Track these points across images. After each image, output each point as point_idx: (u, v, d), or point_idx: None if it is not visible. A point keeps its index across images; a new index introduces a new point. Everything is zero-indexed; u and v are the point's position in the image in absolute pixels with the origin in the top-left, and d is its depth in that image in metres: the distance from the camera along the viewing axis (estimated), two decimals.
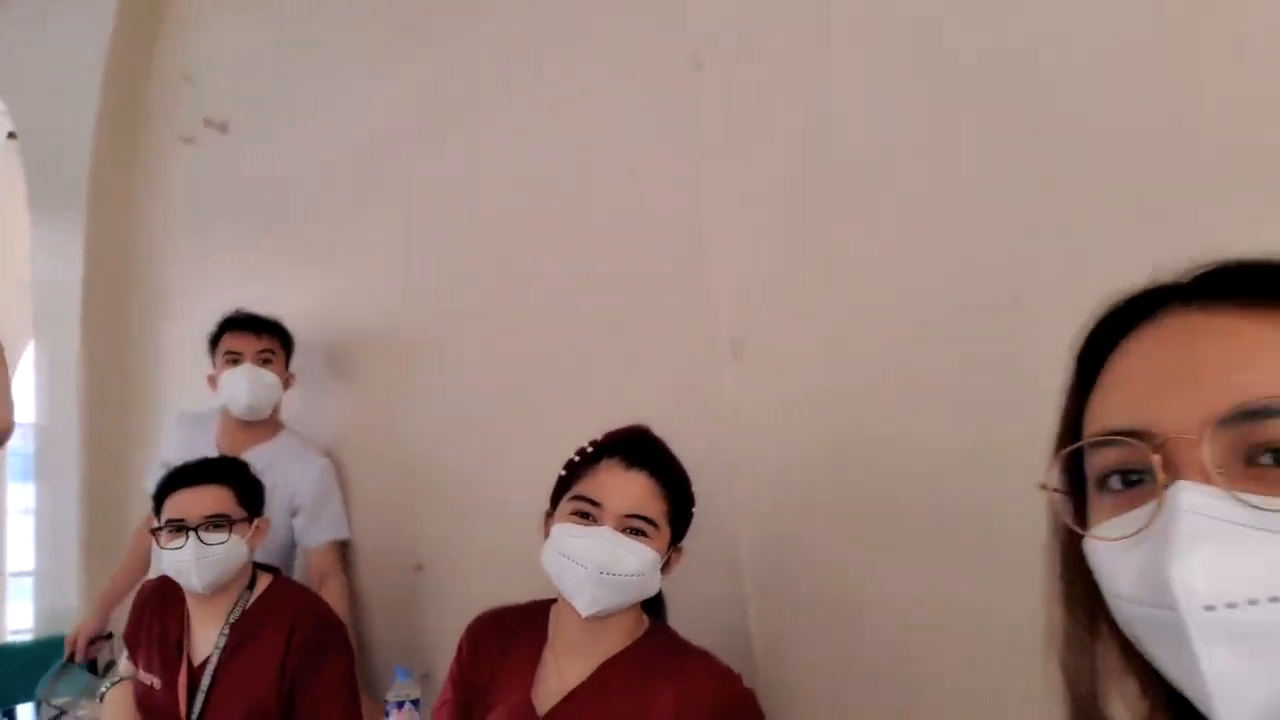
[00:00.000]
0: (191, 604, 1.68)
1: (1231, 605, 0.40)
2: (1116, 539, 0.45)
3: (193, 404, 2.37)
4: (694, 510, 1.16)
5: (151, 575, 1.86)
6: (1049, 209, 1.02)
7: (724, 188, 1.37)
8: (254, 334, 2.09)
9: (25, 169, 3.83)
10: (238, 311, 2.15)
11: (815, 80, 1.26)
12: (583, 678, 1.12)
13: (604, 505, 1.09)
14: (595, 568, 1.06)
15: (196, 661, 1.66)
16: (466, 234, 1.86)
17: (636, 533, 1.08)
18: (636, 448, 1.14)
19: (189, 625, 1.69)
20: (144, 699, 1.68)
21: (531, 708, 1.12)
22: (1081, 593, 0.49)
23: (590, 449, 1.16)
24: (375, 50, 2.16)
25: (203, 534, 1.57)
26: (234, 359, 2.06)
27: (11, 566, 4.46)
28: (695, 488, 1.16)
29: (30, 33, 3.97)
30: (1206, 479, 0.41)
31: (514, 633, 1.22)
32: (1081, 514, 0.49)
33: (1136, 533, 0.43)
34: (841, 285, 1.22)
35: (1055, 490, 0.50)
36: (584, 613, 1.08)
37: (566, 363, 1.62)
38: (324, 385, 2.25)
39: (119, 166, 3.18)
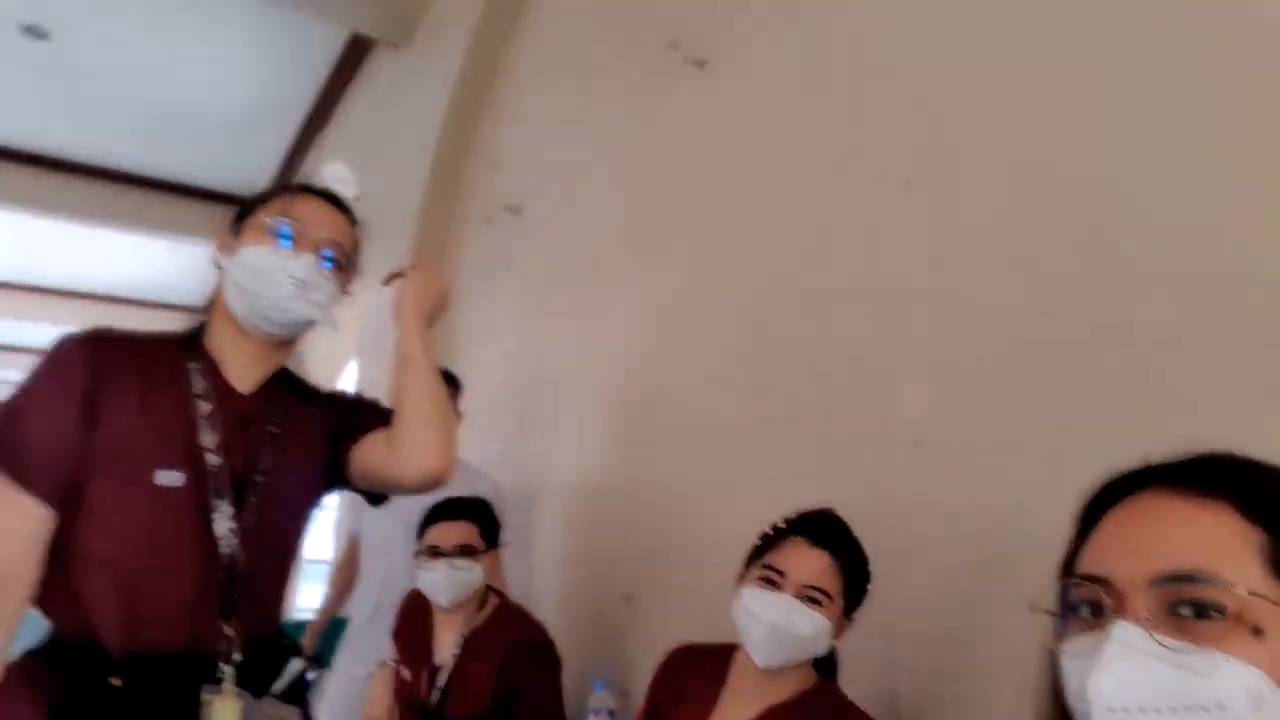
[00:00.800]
0: (437, 615, 2.08)
1: (1126, 710, 0.57)
2: (1075, 654, 0.63)
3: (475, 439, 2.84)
4: (869, 586, 1.32)
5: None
6: None
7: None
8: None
9: (364, 223, 4.70)
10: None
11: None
12: (752, 716, 1.31)
13: (787, 575, 1.27)
14: (772, 626, 1.24)
15: (438, 663, 2.05)
16: (716, 306, 2.13)
17: (813, 601, 1.26)
18: (821, 527, 1.32)
19: (434, 632, 2.09)
20: (399, 686, 2.08)
21: None
22: (1061, 698, 0.66)
23: (782, 525, 1.35)
24: (651, 144, 2.55)
25: (454, 561, 1.96)
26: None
27: (312, 554, 5.30)
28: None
29: (377, 115, 4.91)
30: (1138, 621, 0.59)
31: (699, 668, 1.43)
32: (1063, 632, 0.67)
33: (1084, 652, 0.62)
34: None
35: (1048, 612, 0.69)
36: (760, 665, 1.27)
37: (782, 434, 1.83)
38: (562, 423, 2.63)
39: (434, 233, 3.86)
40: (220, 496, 1.17)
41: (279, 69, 5.27)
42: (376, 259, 3.79)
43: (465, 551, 1.99)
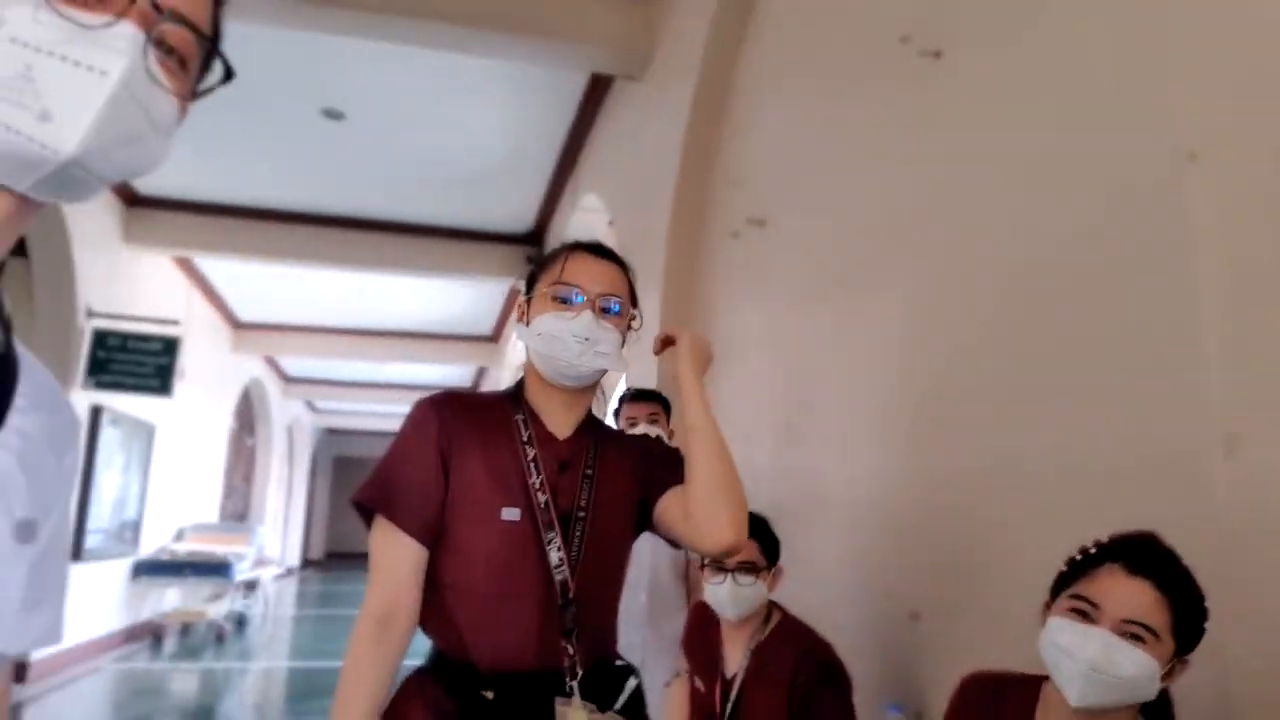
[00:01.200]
0: (724, 629, 2.14)
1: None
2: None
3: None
4: (1206, 625, 1.15)
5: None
6: None
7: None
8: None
9: (619, 247, 4.96)
10: None
11: None
12: None
13: (1102, 608, 1.15)
14: (1087, 664, 1.13)
15: (728, 675, 2.11)
16: (987, 312, 2.00)
17: (1135, 638, 1.12)
18: (1142, 554, 1.17)
19: (722, 645, 2.16)
20: (693, 696, 2.17)
21: None
22: None
23: (1094, 550, 1.22)
24: (881, 150, 2.46)
25: (737, 576, 2.01)
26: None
27: None
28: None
29: (623, 146, 5.15)
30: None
31: (1004, 698, 1.33)
32: None
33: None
34: None
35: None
36: (1074, 704, 1.15)
37: (1043, 447, 1.70)
38: (830, 436, 2.60)
39: (685, 253, 3.99)
40: (550, 529, 1.33)
41: (532, 117, 5.73)
42: (639, 268, 4.03)
43: (749, 568, 2.04)
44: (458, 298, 9.58)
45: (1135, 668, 1.12)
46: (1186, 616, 1.14)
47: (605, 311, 1.38)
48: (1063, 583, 1.23)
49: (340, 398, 15.34)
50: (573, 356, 1.34)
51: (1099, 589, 1.17)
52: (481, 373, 12.75)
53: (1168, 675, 1.14)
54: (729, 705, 2.08)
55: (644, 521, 1.48)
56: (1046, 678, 1.24)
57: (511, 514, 1.33)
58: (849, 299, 2.59)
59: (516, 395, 1.46)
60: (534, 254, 7.67)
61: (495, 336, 11.15)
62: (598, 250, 1.45)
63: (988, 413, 1.91)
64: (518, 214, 7.44)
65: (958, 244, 2.06)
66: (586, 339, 1.34)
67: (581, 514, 1.37)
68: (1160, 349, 1.46)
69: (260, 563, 10.56)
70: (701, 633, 2.25)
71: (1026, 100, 1.84)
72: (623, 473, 1.46)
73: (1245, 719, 1.26)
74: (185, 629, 8.94)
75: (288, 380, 14.39)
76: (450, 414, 1.39)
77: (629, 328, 1.44)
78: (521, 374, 1.50)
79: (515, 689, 1.28)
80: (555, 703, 1.27)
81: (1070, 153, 1.70)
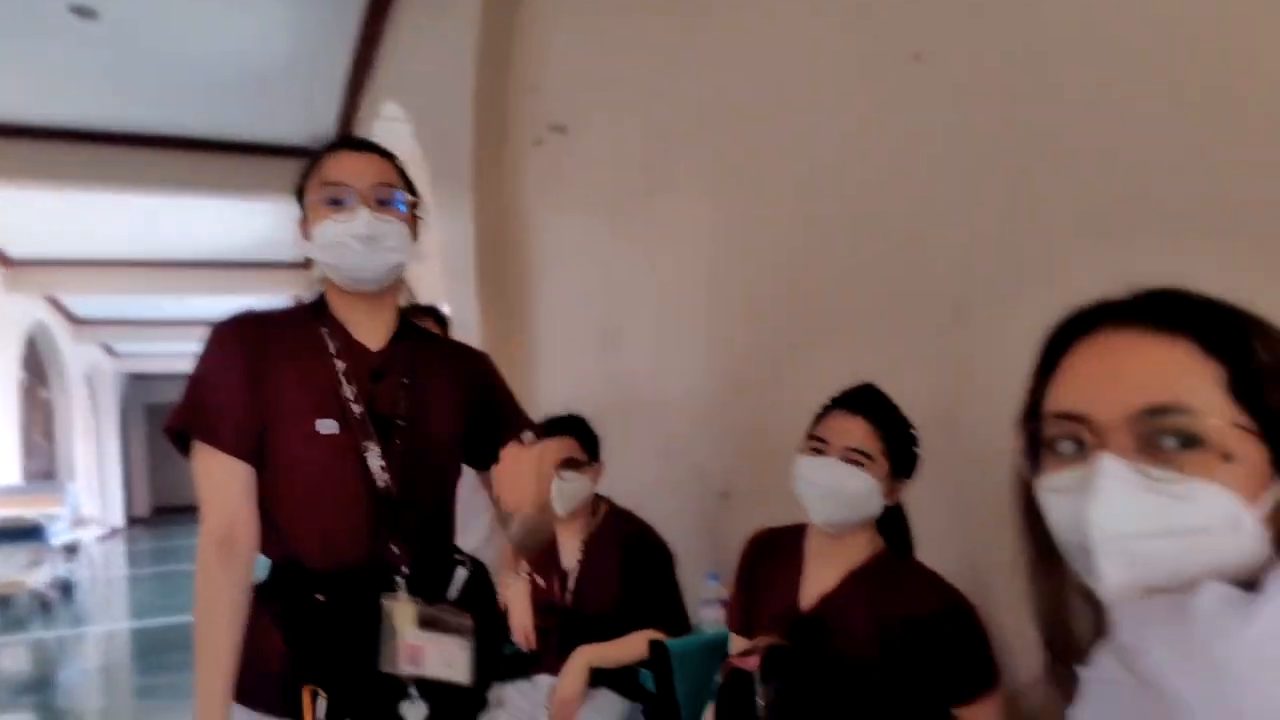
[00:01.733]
0: (557, 525, 2.27)
1: (1124, 536, 0.62)
2: (1060, 489, 0.66)
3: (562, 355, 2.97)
4: (916, 450, 1.42)
5: None
6: None
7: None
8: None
9: (426, 163, 4.78)
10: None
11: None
12: (832, 585, 1.44)
13: (830, 442, 1.40)
14: (824, 488, 1.38)
15: (565, 567, 2.25)
16: (758, 212, 2.16)
17: (856, 463, 1.38)
18: (857, 397, 1.44)
19: (558, 540, 2.29)
20: (535, 593, 2.30)
21: (796, 607, 1.46)
22: (1040, 529, 0.71)
23: (829, 402, 1.47)
24: (671, 56, 2.52)
25: (562, 473, 2.14)
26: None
27: None
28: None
29: (421, 46, 4.89)
30: (1122, 453, 0.63)
31: (779, 546, 1.55)
32: (1036, 469, 0.71)
33: (1073, 486, 0.65)
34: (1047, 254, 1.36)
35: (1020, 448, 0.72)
36: (818, 523, 1.41)
37: (824, 326, 1.89)
38: (644, 339, 2.74)
39: (491, 162, 3.91)
40: (368, 438, 1.34)
41: (318, 21, 5.31)
42: (448, 177, 3.91)
43: (570, 464, 2.17)
44: (262, 220, 8.95)
45: (858, 483, 1.37)
46: (896, 442, 1.41)
47: (383, 205, 1.35)
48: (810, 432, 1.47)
49: (142, 339, 14.13)
50: (359, 260, 1.33)
51: (827, 428, 1.42)
52: (299, 302, 12.05)
53: (891, 493, 1.40)
54: (567, 594, 2.23)
55: (473, 438, 1.49)
56: (809, 525, 1.48)
57: (328, 426, 1.33)
58: (658, 204, 2.68)
59: (319, 308, 1.43)
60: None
61: (307, 263, 10.50)
62: (357, 144, 1.42)
63: (784, 310, 2.09)
64: (315, 126, 6.97)
65: (758, 147, 2.18)
66: (369, 238, 1.31)
67: (401, 422, 1.38)
68: (905, 232, 1.65)
69: (78, 523, 9.85)
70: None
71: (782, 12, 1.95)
72: (444, 378, 1.47)
73: (974, 535, 1.51)
74: (4, 601, 8.31)
75: (77, 322, 13.05)
76: (253, 331, 1.36)
77: (415, 217, 1.41)
78: (322, 288, 1.47)
79: (346, 588, 1.31)
80: (381, 599, 1.30)
81: (835, 55, 1.83)
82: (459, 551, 1.48)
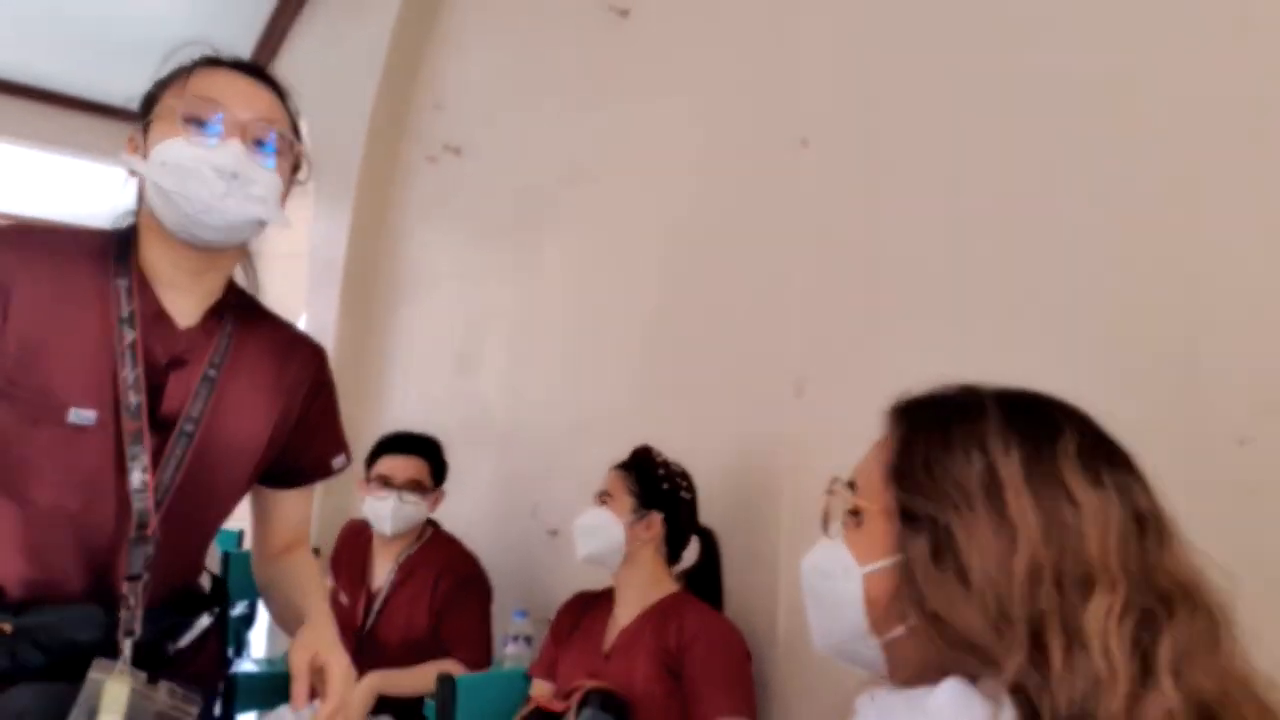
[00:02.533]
0: (376, 543, 2.18)
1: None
2: None
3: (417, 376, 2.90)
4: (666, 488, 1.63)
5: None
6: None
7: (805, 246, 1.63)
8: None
9: (310, 151, 4.65)
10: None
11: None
12: (629, 622, 1.59)
13: (613, 495, 1.63)
14: (577, 527, 1.66)
15: (374, 588, 2.15)
16: (621, 264, 2.21)
17: (602, 503, 1.64)
18: (631, 460, 1.68)
19: (372, 559, 2.19)
20: (336, 611, 2.19)
21: (599, 645, 1.60)
22: None
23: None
24: (571, 97, 2.57)
25: (404, 495, 2.06)
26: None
27: None
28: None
29: (322, 52, 4.82)
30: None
31: (592, 605, 1.71)
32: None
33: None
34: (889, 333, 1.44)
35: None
36: (580, 557, 1.64)
37: (674, 383, 1.94)
38: (499, 365, 2.71)
39: (380, 173, 3.83)
40: (137, 442, 0.99)
41: (224, 3, 5.13)
42: (333, 182, 3.79)
43: (415, 487, 2.09)
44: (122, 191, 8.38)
45: (597, 520, 1.62)
46: (644, 483, 1.64)
47: (259, 145, 1.02)
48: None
49: None
50: (213, 197, 0.96)
51: (607, 481, 1.69)
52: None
53: (639, 524, 1.60)
54: (370, 617, 2.13)
55: (272, 452, 1.15)
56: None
57: (83, 416, 0.98)
58: (528, 236, 2.69)
59: (122, 249, 1.05)
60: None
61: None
62: (247, 67, 1.07)
63: (637, 361, 2.12)
64: None
65: (627, 194, 2.23)
66: (234, 175, 0.97)
67: (190, 427, 1.04)
68: (757, 305, 1.72)
69: None
70: (351, 549, 2.26)
71: (698, 66, 2.04)
72: (261, 374, 1.12)
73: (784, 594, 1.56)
74: None
75: None
76: (12, 255, 0.99)
77: (294, 171, 1.10)
78: (130, 220, 1.08)
79: (46, 627, 0.96)
80: (92, 665, 0.92)
81: (719, 121, 1.92)
82: (200, 587, 1.16)
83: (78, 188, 8.33)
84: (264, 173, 1.01)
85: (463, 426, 2.80)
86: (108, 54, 5.86)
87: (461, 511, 2.37)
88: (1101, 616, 0.59)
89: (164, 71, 1.06)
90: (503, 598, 2.15)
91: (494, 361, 2.79)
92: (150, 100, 1.05)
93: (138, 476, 1.00)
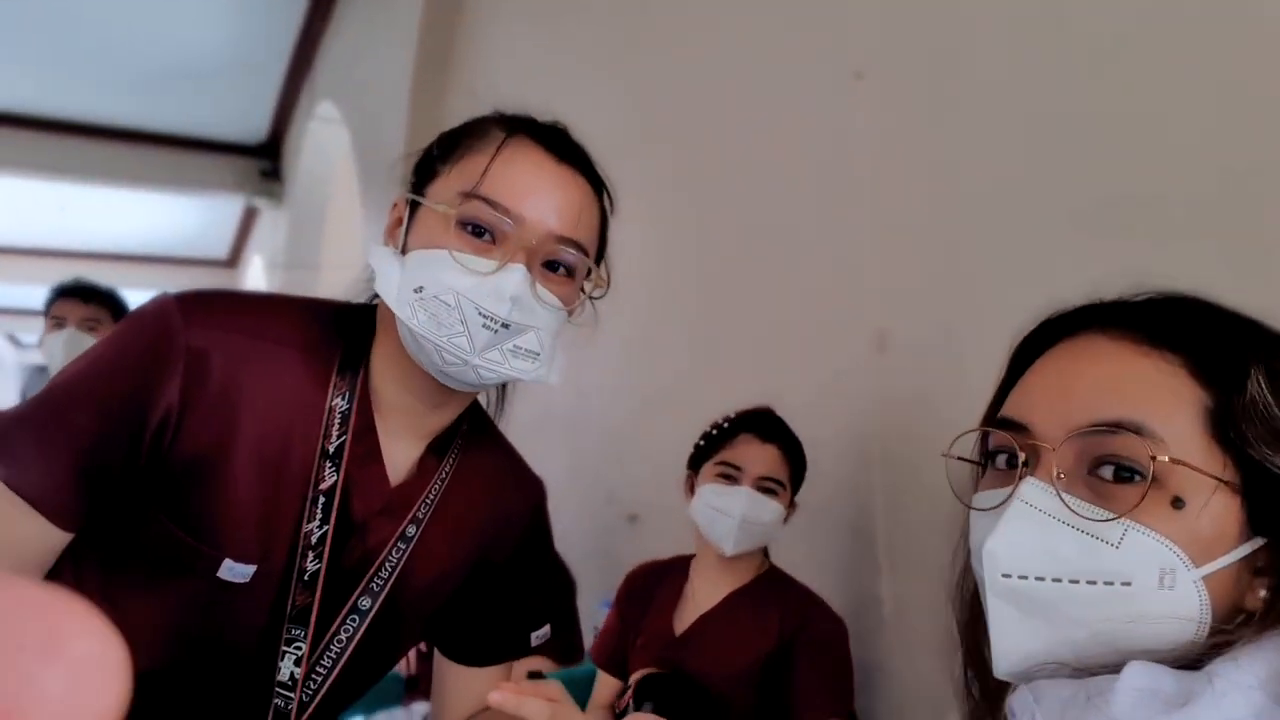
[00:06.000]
0: None
1: (1023, 576, 0.51)
2: (982, 509, 0.57)
3: None
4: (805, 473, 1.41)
5: None
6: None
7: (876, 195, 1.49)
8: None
9: (357, 165, 4.66)
10: None
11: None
12: (715, 604, 1.40)
13: (744, 469, 1.35)
14: (740, 517, 1.32)
15: None
16: (674, 233, 2.10)
17: (769, 492, 1.35)
18: (769, 424, 1.39)
19: None
20: None
21: (671, 629, 1.42)
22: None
23: (726, 424, 1.41)
24: (605, 61, 2.46)
25: None
26: None
27: None
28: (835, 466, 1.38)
29: (360, 46, 4.79)
30: (1050, 477, 0.52)
31: (662, 578, 1.51)
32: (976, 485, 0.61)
33: (994, 507, 0.55)
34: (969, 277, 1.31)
35: (962, 459, 0.62)
36: (729, 553, 1.34)
37: (743, 349, 1.83)
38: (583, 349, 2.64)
39: None
40: (301, 623, 0.76)
41: (259, 16, 5.16)
42: (372, 203, 3.78)
43: None
44: (184, 216, 8.61)
45: (771, 515, 1.35)
46: (799, 471, 1.40)
47: (550, 268, 0.76)
48: (702, 455, 1.41)
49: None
50: (471, 351, 0.72)
51: (739, 454, 1.36)
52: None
53: (786, 518, 1.39)
54: None
55: (450, 615, 0.91)
56: (693, 555, 1.47)
57: (238, 571, 0.73)
58: None
59: (351, 353, 0.79)
60: (268, 167, 7.03)
61: (232, 261, 10.19)
62: (564, 148, 0.79)
63: (689, 327, 2.01)
64: (249, 122, 6.75)
65: (695, 161, 2.12)
66: (506, 325, 0.72)
67: (367, 603, 0.79)
68: (825, 255, 1.59)
69: None
70: None
71: (725, 24, 1.91)
72: (463, 526, 0.86)
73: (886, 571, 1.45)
74: None
75: None
76: (212, 337, 0.72)
77: (581, 290, 0.82)
78: (367, 298, 0.84)
79: None
80: None
81: (762, 72, 1.79)
82: None
83: (134, 219, 8.61)
84: (542, 314, 0.75)
85: (526, 417, 2.74)
86: (150, 82, 5.97)
87: None
88: None
89: (457, 122, 0.80)
90: (586, 588, 2.08)
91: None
92: (428, 164, 0.79)
93: (289, 669, 0.76)
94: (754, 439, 1.37)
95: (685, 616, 1.44)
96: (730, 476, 1.35)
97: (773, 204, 1.76)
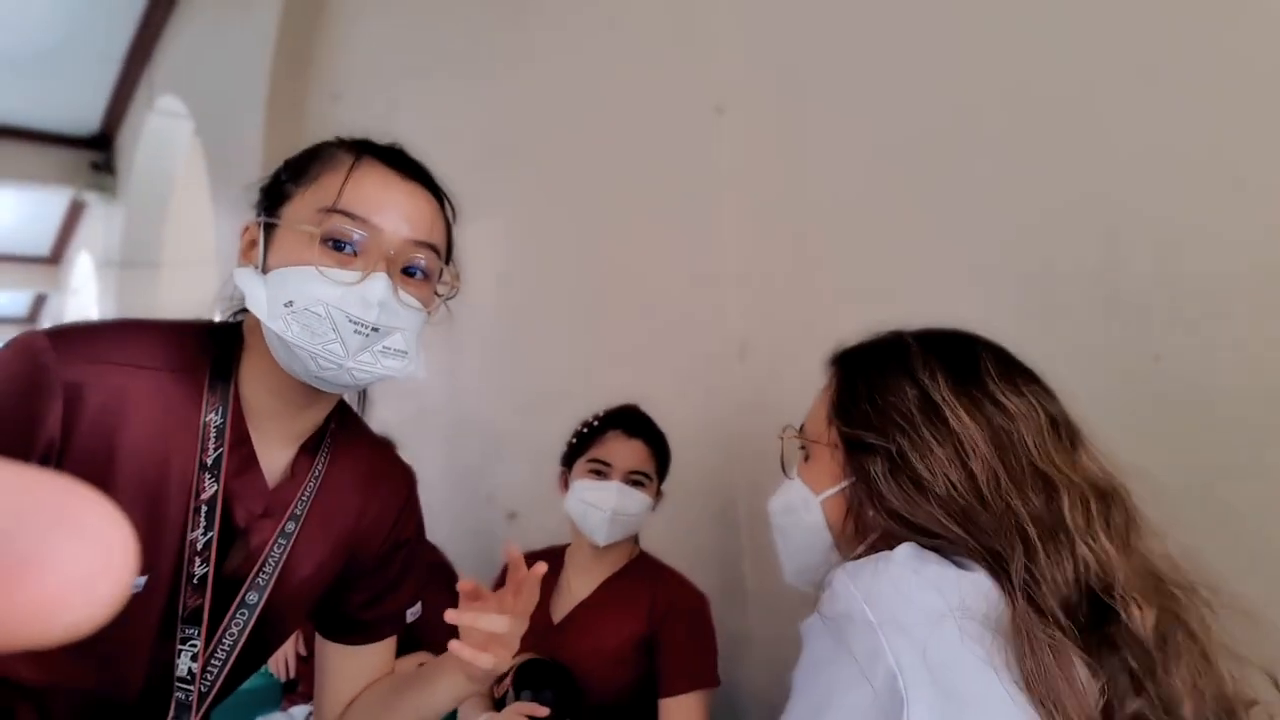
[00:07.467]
0: None
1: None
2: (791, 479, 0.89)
3: None
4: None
5: None
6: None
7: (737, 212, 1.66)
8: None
9: (207, 165, 4.47)
10: None
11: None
12: (590, 592, 1.50)
13: (613, 465, 1.46)
14: (610, 511, 1.43)
15: None
16: (551, 239, 2.21)
17: (637, 484, 1.45)
18: (634, 421, 1.51)
19: None
20: None
21: (548, 616, 1.50)
22: None
23: (596, 422, 1.52)
24: (473, 73, 2.53)
25: None
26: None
27: None
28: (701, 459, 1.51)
29: (208, 39, 4.60)
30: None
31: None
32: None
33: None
34: (821, 291, 1.50)
35: (795, 437, 0.90)
36: (602, 544, 1.45)
37: (616, 354, 1.96)
38: (435, 352, 2.69)
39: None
40: (194, 623, 0.81)
41: (93, 2, 4.85)
42: (223, 200, 3.64)
43: None
44: (2, 210, 7.92)
45: (640, 506, 1.45)
46: (664, 463, 1.51)
47: (408, 274, 0.84)
48: (574, 452, 1.52)
49: None
50: (345, 355, 0.79)
51: (608, 451, 1.47)
52: (40, 301, 10.77)
53: (654, 507, 1.49)
54: None
55: (331, 599, 0.98)
56: (567, 545, 1.56)
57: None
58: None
59: (220, 366, 0.84)
60: (101, 160, 6.59)
61: (55, 257, 9.43)
62: (408, 167, 0.86)
63: (565, 331, 2.13)
64: (79, 112, 6.30)
65: (548, 174, 2.22)
66: (375, 328, 0.79)
67: (254, 598, 0.86)
68: (695, 270, 1.75)
69: None
70: None
71: (602, 49, 2.04)
72: (342, 519, 0.94)
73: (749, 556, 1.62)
74: None
75: None
76: (86, 370, 0.75)
77: (435, 293, 0.89)
78: (231, 315, 0.88)
79: None
80: None
81: (630, 95, 1.93)
82: None
83: None
84: (407, 315, 0.82)
85: (403, 421, 2.77)
86: None
87: None
88: (1078, 510, 0.69)
89: (298, 150, 0.86)
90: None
91: (427, 351, 2.77)
92: (278, 188, 0.84)
93: (186, 664, 0.82)
94: (621, 435, 1.47)
95: (562, 605, 1.51)
96: (601, 472, 1.45)
97: (644, 219, 1.91)
